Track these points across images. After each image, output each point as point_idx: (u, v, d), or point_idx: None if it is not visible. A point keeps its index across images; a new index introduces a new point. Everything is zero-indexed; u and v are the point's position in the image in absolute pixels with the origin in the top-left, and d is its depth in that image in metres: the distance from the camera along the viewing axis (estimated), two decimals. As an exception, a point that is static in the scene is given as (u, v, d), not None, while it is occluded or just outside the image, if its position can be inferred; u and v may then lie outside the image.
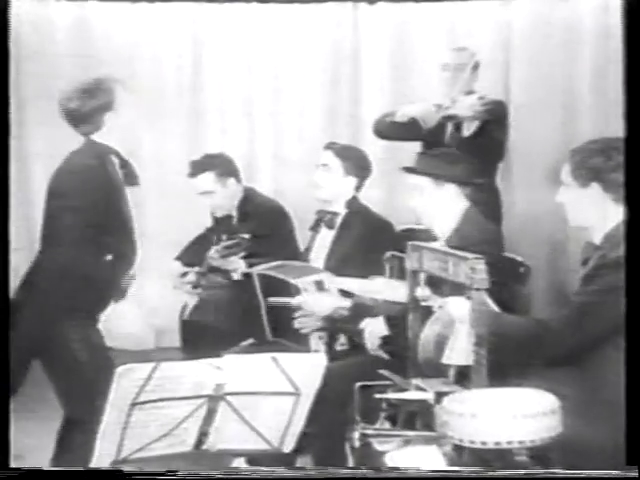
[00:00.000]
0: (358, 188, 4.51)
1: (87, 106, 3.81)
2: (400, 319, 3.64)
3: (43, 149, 5.20)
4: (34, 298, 3.80)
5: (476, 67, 4.99)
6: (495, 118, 4.78)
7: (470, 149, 4.53)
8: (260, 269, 4.33)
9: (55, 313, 3.77)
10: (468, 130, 4.76)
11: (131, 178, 3.88)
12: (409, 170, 4.08)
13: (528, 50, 5.58)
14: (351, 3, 5.73)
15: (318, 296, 4.12)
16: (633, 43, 3.37)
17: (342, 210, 4.46)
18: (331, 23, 5.78)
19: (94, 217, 3.73)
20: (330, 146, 4.54)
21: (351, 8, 5.75)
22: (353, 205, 4.46)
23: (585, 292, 3.14)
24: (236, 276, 4.65)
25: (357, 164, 4.50)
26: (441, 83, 4.99)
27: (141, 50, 5.70)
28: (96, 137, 3.85)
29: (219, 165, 4.85)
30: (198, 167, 4.82)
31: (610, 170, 3.16)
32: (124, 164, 3.85)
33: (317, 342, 4.19)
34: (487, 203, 4.60)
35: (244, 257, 4.66)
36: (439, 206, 3.96)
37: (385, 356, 3.82)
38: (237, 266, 4.66)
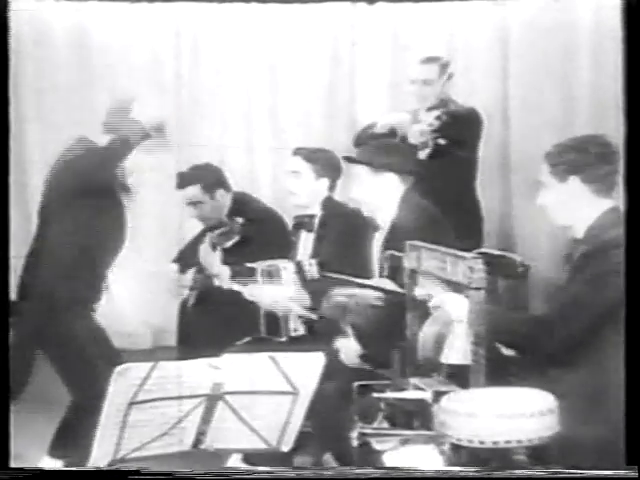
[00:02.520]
0: (332, 188, 4.53)
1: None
2: (377, 323, 3.66)
3: (41, 153, 5.19)
4: (34, 282, 3.87)
5: (450, 77, 4.97)
6: (455, 137, 4.76)
7: (430, 170, 4.53)
8: (263, 265, 4.35)
9: (54, 295, 3.85)
10: (423, 153, 4.75)
11: (126, 189, 3.97)
12: (348, 159, 4.11)
13: (526, 51, 5.57)
14: (350, 3, 5.72)
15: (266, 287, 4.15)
16: (632, 43, 3.38)
17: (318, 212, 4.48)
18: (330, 23, 5.78)
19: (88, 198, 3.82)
20: (298, 152, 4.55)
21: (350, 8, 5.75)
22: (328, 205, 4.48)
23: (572, 283, 3.15)
24: (217, 282, 4.61)
25: (327, 165, 4.52)
26: (410, 96, 4.99)
27: (139, 50, 5.70)
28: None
29: (206, 177, 4.84)
30: (185, 179, 4.83)
31: (586, 163, 3.19)
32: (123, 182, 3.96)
33: (296, 321, 4.21)
34: (465, 214, 4.65)
35: (239, 243, 4.66)
36: (378, 195, 3.97)
37: (368, 367, 3.77)
38: (220, 271, 4.63)
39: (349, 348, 3.76)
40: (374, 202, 3.98)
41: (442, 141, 4.72)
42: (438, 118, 4.73)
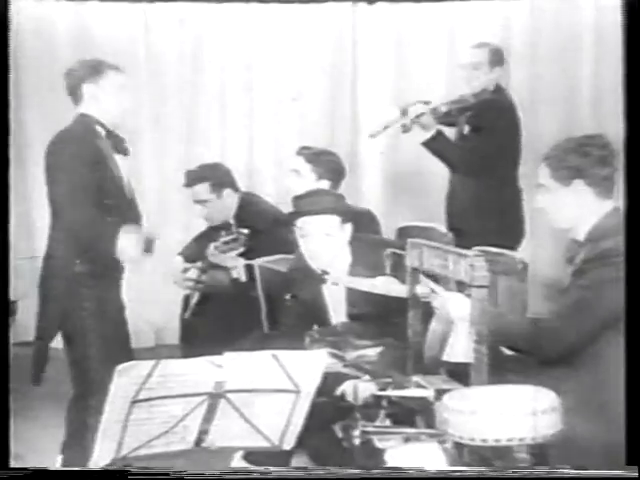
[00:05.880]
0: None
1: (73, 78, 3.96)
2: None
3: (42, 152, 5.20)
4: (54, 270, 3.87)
5: (498, 63, 4.90)
6: (497, 114, 4.76)
7: (469, 146, 4.69)
8: (262, 261, 4.34)
9: (72, 278, 3.83)
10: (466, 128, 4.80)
11: (119, 146, 3.94)
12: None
13: (528, 50, 5.59)
14: (350, 3, 5.74)
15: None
16: (633, 43, 3.38)
17: None
18: (330, 23, 5.79)
19: (90, 183, 3.80)
20: (301, 152, 4.52)
21: (350, 8, 5.76)
22: None
23: (574, 288, 3.14)
24: (235, 274, 4.62)
25: (329, 168, 4.48)
26: (460, 81, 4.97)
27: (140, 50, 5.72)
28: (81, 109, 3.93)
29: (214, 176, 4.83)
30: (193, 177, 4.82)
31: (590, 165, 3.17)
32: (109, 134, 3.91)
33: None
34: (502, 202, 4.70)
35: (243, 254, 4.64)
36: (324, 241, 3.88)
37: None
38: (236, 264, 4.62)
39: (363, 389, 3.65)
40: (320, 252, 3.87)
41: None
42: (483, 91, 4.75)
